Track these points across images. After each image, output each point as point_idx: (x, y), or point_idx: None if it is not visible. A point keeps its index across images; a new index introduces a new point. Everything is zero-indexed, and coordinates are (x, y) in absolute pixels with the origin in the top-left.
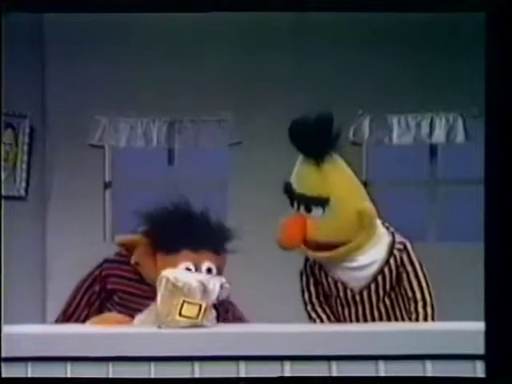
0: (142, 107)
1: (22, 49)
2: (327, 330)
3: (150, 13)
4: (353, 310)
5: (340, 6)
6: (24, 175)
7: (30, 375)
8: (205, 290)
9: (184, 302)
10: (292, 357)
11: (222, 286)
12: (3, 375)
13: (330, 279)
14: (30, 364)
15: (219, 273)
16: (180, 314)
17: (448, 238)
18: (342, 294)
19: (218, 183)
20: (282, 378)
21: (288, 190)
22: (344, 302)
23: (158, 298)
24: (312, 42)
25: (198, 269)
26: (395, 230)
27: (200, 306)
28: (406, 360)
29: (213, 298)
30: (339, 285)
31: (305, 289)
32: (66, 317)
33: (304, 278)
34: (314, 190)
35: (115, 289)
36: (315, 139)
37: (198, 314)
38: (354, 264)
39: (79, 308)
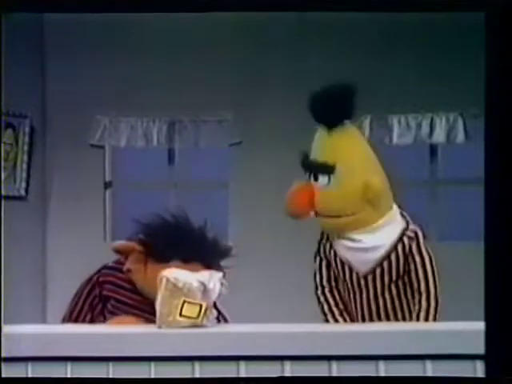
0: (142, 107)
1: (22, 49)
2: (327, 330)
3: (150, 13)
4: (357, 295)
5: (340, 6)
6: (24, 175)
7: (30, 375)
8: (205, 289)
9: (184, 302)
10: (292, 357)
11: (221, 284)
12: (3, 375)
13: (338, 260)
14: (30, 364)
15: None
16: (180, 314)
17: (448, 238)
18: (347, 277)
19: (218, 183)
20: (282, 377)
21: (303, 159)
22: (350, 285)
23: (159, 298)
24: (312, 41)
25: None
26: (411, 221)
27: (200, 306)
28: (406, 360)
29: (213, 297)
30: (346, 267)
31: (317, 271)
32: (71, 321)
33: (317, 259)
34: (322, 156)
35: (109, 296)
36: (328, 106)
37: (199, 314)
38: (361, 245)
39: (83, 312)
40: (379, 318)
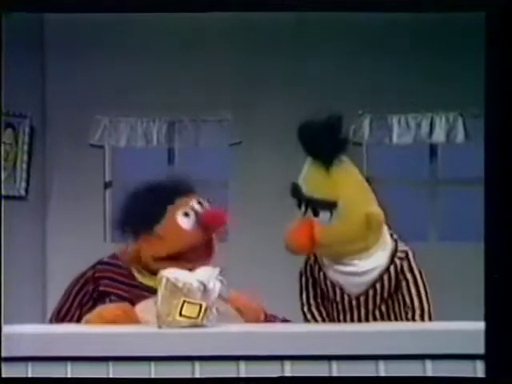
0: (142, 107)
1: (22, 49)
2: (327, 330)
3: (150, 13)
4: (348, 316)
5: (340, 6)
6: (24, 175)
7: (30, 375)
8: (205, 289)
9: (184, 301)
10: (292, 357)
11: (220, 281)
12: (3, 375)
13: (328, 282)
14: (30, 364)
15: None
16: (180, 314)
17: (448, 238)
18: (338, 299)
19: (218, 183)
20: (282, 377)
21: (296, 191)
22: (340, 306)
23: (159, 297)
24: (312, 41)
25: (192, 208)
26: (398, 238)
27: (200, 306)
28: (406, 360)
29: (213, 297)
30: (337, 289)
31: (303, 289)
32: (59, 318)
33: (303, 279)
34: (322, 193)
35: (108, 291)
36: (325, 143)
37: (199, 314)
38: (354, 269)
39: (72, 308)
40: None
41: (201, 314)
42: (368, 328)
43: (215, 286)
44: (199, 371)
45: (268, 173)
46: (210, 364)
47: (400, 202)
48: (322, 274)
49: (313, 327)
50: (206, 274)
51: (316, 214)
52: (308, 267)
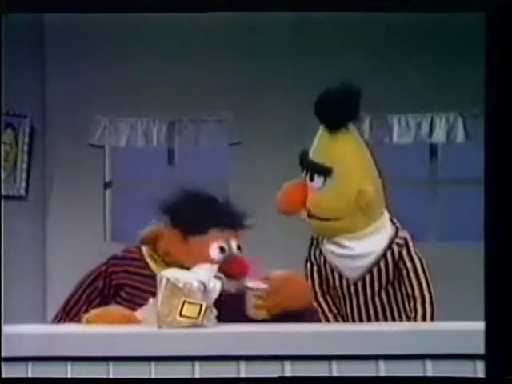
0: (142, 107)
1: (22, 49)
2: (327, 330)
3: (150, 13)
4: (348, 302)
5: (340, 6)
6: (24, 175)
7: (30, 375)
8: (205, 289)
9: (184, 302)
10: (292, 357)
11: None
12: (3, 375)
13: (327, 266)
14: (30, 364)
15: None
16: (181, 314)
17: (448, 238)
18: (337, 284)
19: (219, 183)
20: (282, 377)
21: (302, 157)
22: (340, 292)
23: (159, 298)
24: (312, 42)
25: (229, 247)
26: (401, 226)
27: (201, 306)
28: (406, 360)
29: (213, 297)
30: (335, 273)
31: (308, 276)
32: (65, 312)
33: (308, 265)
34: (320, 158)
35: (123, 284)
36: (334, 106)
37: (199, 314)
38: (350, 252)
39: (78, 304)
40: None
41: (201, 314)
42: (368, 328)
43: (215, 285)
44: (199, 371)
45: (268, 173)
46: (210, 364)
47: (400, 202)
48: (322, 258)
49: (313, 327)
50: (205, 274)
51: (312, 179)
52: (312, 252)
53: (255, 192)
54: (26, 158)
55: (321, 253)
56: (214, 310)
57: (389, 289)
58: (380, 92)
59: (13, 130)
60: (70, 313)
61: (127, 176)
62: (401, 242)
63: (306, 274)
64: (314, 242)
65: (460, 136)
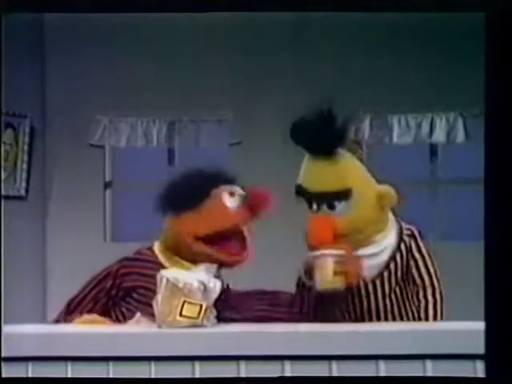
0: (142, 107)
1: (22, 49)
2: (327, 330)
3: (150, 13)
4: (365, 303)
5: (340, 6)
6: (24, 175)
7: (30, 375)
8: (205, 289)
9: (185, 302)
10: (292, 357)
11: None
12: (3, 375)
13: None
14: (30, 364)
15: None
16: (181, 314)
17: (449, 238)
18: (354, 286)
19: None
20: (282, 377)
21: (301, 191)
22: (356, 291)
23: (159, 298)
24: (312, 41)
25: (236, 192)
26: (400, 219)
27: (201, 306)
28: (406, 360)
29: (213, 297)
30: None
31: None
32: (70, 310)
33: (301, 283)
34: (334, 185)
35: (136, 286)
36: (323, 137)
37: (199, 314)
38: (365, 252)
39: (84, 301)
40: (391, 319)
41: (201, 314)
42: (368, 328)
43: (215, 285)
44: (199, 371)
45: (268, 173)
46: (210, 364)
47: (400, 202)
48: None
49: (313, 327)
50: (205, 274)
51: (332, 207)
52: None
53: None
54: (26, 157)
55: None
56: (214, 310)
57: (400, 283)
58: (380, 92)
59: (13, 129)
60: (74, 311)
61: (127, 176)
62: (409, 232)
63: (299, 286)
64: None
65: (460, 136)
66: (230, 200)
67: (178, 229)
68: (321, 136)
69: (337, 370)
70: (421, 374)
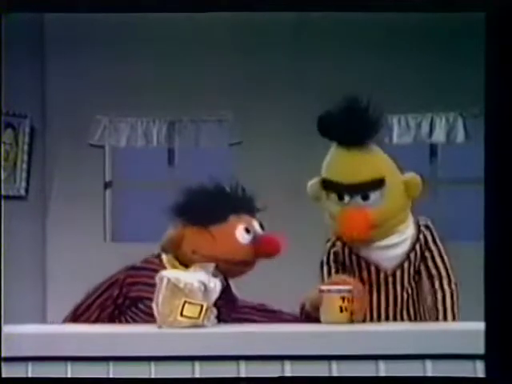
0: (142, 107)
1: (22, 49)
2: (327, 330)
3: (150, 13)
4: (383, 295)
5: (340, 6)
6: (24, 175)
7: (30, 375)
8: (206, 289)
9: (185, 302)
10: (292, 357)
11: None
12: (3, 375)
13: (362, 263)
14: (30, 364)
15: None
16: (181, 315)
17: (448, 238)
18: (374, 277)
19: None
20: (282, 377)
21: (330, 184)
22: (375, 286)
23: (160, 298)
24: (312, 41)
25: (253, 228)
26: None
27: (201, 307)
28: (406, 360)
29: (213, 297)
30: (372, 267)
31: (326, 279)
32: (75, 317)
33: (325, 268)
34: (368, 175)
35: (141, 296)
36: (357, 127)
37: (200, 314)
38: (388, 242)
39: (91, 309)
40: (406, 311)
41: (202, 315)
42: (368, 328)
43: (216, 285)
44: (199, 371)
45: (268, 173)
46: (210, 364)
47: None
48: (353, 256)
49: (313, 327)
50: (205, 274)
51: (366, 198)
52: (331, 256)
53: (256, 192)
54: (26, 157)
55: (351, 252)
56: (215, 310)
57: (416, 276)
58: (380, 92)
59: (13, 129)
60: (79, 318)
61: (127, 176)
62: (425, 223)
63: (323, 276)
64: (338, 244)
65: (460, 136)
66: (243, 236)
67: (181, 237)
68: (354, 126)
69: (337, 370)
70: (421, 374)
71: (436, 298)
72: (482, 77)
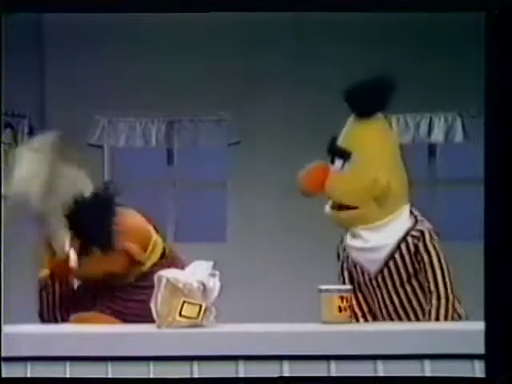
0: (140, 107)
1: (22, 49)
2: (327, 330)
3: (150, 13)
4: (369, 297)
5: (340, 6)
6: None
7: (29, 375)
8: (205, 289)
9: (184, 302)
10: (291, 357)
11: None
12: (3, 375)
13: (350, 262)
14: (29, 364)
15: None
16: (180, 315)
17: (447, 238)
18: (361, 279)
19: (217, 183)
20: (281, 377)
21: (330, 142)
22: (364, 287)
23: (158, 298)
24: (312, 41)
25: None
26: (423, 220)
27: (200, 307)
28: (406, 360)
29: (212, 297)
30: (358, 268)
31: (339, 273)
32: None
33: (340, 262)
34: (343, 142)
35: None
36: (364, 96)
37: (199, 314)
38: (368, 244)
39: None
40: (397, 317)
41: (200, 315)
42: (367, 328)
43: (215, 285)
44: (198, 371)
45: (267, 173)
46: (209, 364)
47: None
48: (346, 254)
49: (312, 327)
50: (204, 273)
51: (333, 162)
52: (339, 250)
53: (254, 192)
54: None
55: (345, 249)
56: (214, 310)
57: (412, 282)
58: None
59: (12, 129)
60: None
61: (126, 176)
62: (417, 234)
63: (338, 271)
64: (342, 240)
65: (458, 136)
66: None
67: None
68: (364, 97)
69: (335, 370)
70: (420, 374)
71: (425, 310)
72: (481, 77)
